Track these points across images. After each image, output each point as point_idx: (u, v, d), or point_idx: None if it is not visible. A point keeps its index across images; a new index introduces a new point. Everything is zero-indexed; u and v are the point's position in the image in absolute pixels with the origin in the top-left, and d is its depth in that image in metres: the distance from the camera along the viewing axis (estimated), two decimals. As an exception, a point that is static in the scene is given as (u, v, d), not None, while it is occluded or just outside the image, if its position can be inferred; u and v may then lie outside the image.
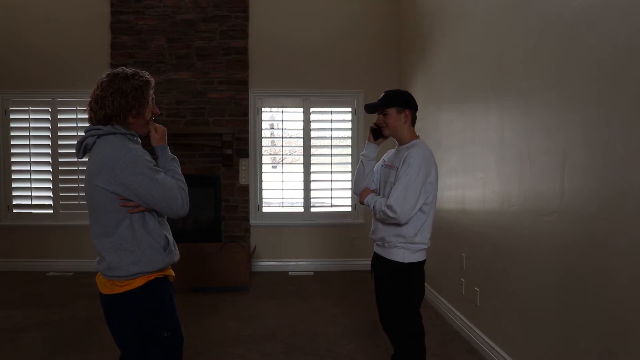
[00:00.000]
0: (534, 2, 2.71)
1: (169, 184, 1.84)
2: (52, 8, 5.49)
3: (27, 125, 5.55)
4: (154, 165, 1.85)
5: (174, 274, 2.03)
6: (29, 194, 5.59)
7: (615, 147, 2.05)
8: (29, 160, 5.57)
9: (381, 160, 2.67)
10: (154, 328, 1.87)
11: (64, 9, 5.49)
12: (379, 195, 2.56)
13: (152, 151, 1.98)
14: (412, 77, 5.06)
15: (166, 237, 1.91)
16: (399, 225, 2.37)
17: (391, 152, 2.64)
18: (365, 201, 2.53)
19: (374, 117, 2.61)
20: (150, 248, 1.85)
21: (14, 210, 5.60)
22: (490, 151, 3.28)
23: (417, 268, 2.45)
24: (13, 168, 5.56)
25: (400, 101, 2.48)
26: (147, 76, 1.92)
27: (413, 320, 2.47)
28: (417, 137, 2.52)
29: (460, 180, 3.79)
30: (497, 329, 3.19)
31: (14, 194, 5.59)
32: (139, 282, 1.84)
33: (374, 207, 2.45)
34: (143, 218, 1.85)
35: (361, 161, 2.60)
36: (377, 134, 2.56)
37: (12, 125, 5.55)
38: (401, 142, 2.54)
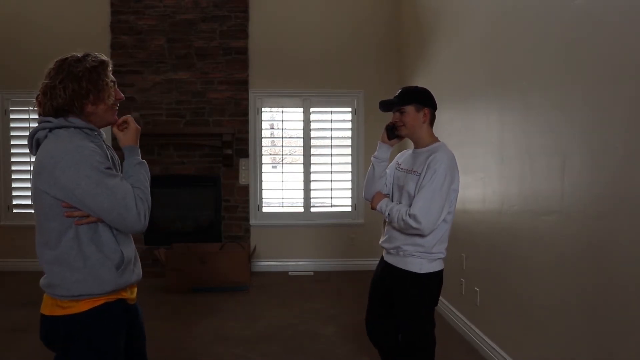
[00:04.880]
0: (534, 2, 2.71)
1: (123, 192, 1.56)
2: (52, 8, 5.49)
3: (27, 125, 5.54)
4: (107, 168, 1.59)
5: (134, 295, 1.76)
6: (29, 194, 5.59)
7: (615, 147, 2.05)
8: (29, 160, 5.55)
9: (394, 162, 2.48)
10: None
11: (64, 9, 5.48)
12: (392, 200, 2.38)
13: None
14: (412, 77, 5.06)
15: (122, 253, 1.63)
16: (421, 235, 2.22)
17: (406, 153, 2.46)
18: (378, 207, 2.34)
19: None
20: (100, 265, 1.58)
21: (14, 210, 5.60)
22: (490, 151, 3.29)
23: (434, 278, 2.30)
24: (13, 168, 5.56)
25: (419, 98, 2.31)
26: (103, 57, 1.69)
27: (425, 331, 2.34)
28: (437, 139, 2.36)
29: (460, 180, 3.78)
30: (497, 329, 3.19)
31: (14, 194, 5.58)
32: (83, 306, 1.58)
33: (389, 214, 2.27)
34: (94, 229, 1.59)
35: (372, 163, 2.42)
36: (392, 133, 2.36)
37: (12, 125, 5.55)
38: (419, 144, 2.35)
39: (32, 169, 1.63)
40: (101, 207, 1.54)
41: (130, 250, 1.70)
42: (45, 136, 1.62)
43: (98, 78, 1.64)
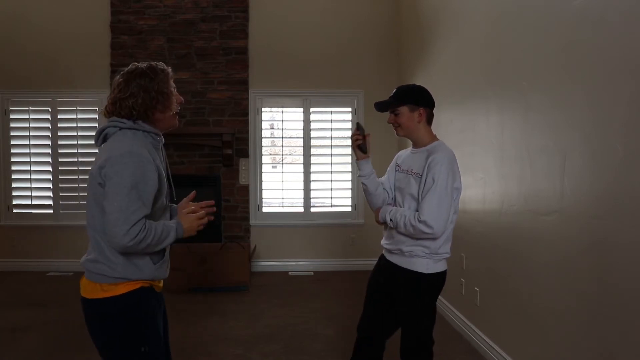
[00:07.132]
0: (534, 2, 2.71)
1: (126, 212, 1.62)
2: (52, 8, 5.49)
3: (27, 125, 5.55)
4: (145, 187, 1.69)
5: (162, 284, 1.92)
6: (29, 194, 5.59)
7: (615, 147, 2.05)
8: (29, 160, 5.56)
9: (393, 163, 2.46)
10: (131, 341, 1.75)
11: (64, 9, 5.49)
12: (394, 204, 2.36)
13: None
14: (411, 77, 5.06)
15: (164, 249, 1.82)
16: (433, 239, 2.20)
17: (405, 153, 2.42)
18: (381, 217, 2.31)
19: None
20: (141, 257, 1.75)
21: (14, 210, 5.60)
22: (490, 151, 3.29)
23: (439, 278, 2.28)
24: (13, 168, 5.56)
25: (413, 98, 2.25)
26: (164, 66, 1.84)
27: (427, 329, 2.32)
28: (436, 138, 2.31)
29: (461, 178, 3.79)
30: (497, 329, 3.19)
31: (14, 194, 5.58)
32: (123, 289, 1.73)
33: (392, 219, 2.24)
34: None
35: (362, 182, 2.39)
36: (363, 148, 2.35)
37: (12, 125, 5.54)
38: (418, 144, 2.31)
39: (96, 157, 1.77)
40: (108, 205, 1.63)
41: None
42: (115, 133, 1.77)
43: (164, 88, 1.80)
